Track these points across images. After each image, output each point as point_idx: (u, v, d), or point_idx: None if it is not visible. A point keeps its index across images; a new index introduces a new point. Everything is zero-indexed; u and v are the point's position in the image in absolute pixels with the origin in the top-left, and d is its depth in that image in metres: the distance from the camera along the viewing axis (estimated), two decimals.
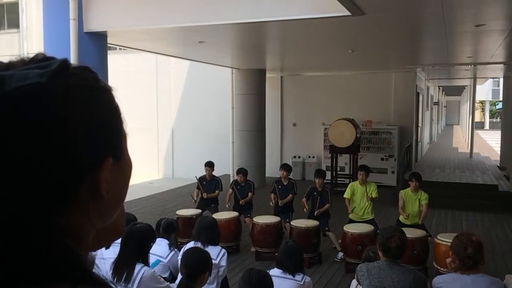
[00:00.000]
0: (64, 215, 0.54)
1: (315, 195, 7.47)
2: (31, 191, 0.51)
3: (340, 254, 6.99)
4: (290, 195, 7.77)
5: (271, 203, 7.90)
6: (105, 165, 0.57)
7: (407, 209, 6.83)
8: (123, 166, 0.62)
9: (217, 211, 8.22)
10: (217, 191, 8.38)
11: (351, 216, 7.22)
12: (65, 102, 0.54)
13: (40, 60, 0.56)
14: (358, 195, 7.16)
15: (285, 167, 8.13)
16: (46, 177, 0.52)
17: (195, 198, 8.44)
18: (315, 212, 7.28)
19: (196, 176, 8.54)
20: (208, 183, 8.42)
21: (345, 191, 7.44)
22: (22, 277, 0.49)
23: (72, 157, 0.53)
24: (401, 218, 6.91)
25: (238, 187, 8.14)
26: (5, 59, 0.58)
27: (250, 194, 8.08)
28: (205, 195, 8.30)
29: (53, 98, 0.53)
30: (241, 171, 8.36)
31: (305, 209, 7.42)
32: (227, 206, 8.03)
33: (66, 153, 0.53)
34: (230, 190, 8.24)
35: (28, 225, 0.51)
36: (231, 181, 9.52)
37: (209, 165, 8.50)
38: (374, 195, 7.09)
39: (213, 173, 8.55)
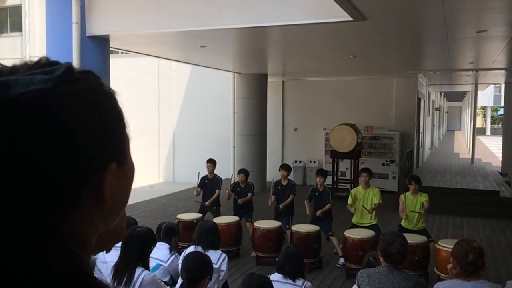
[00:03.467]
0: (67, 220, 0.54)
1: (317, 196, 7.47)
2: (34, 197, 0.51)
3: (342, 260, 6.96)
4: (290, 196, 7.76)
5: (269, 203, 7.85)
6: (109, 170, 0.57)
7: (408, 212, 6.80)
8: (126, 170, 0.62)
9: (219, 213, 8.20)
10: (217, 191, 8.32)
11: (353, 220, 7.20)
12: (70, 108, 0.54)
13: (44, 65, 0.56)
14: (360, 200, 7.12)
15: (285, 167, 8.11)
16: (50, 183, 0.52)
17: (197, 190, 8.35)
18: (317, 212, 7.26)
19: (199, 173, 8.50)
20: (210, 182, 8.37)
21: (345, 195, 7.41)
22: (25, 282, 0.49)
23: (76, 163, 0.53)
24: (402, 223, 6.88)
25: (238, 189, 8.10)
26: (8, 63, 0.58)
27: (249, 194, 8.05)
28: (207, 203, 8.24)
29: (58, 104, 0.53)
30: (242, 171, 8.30)
31: (307, 211, 7.39)
32: (226, 198, 8.08)
33: (70, 159, 0.53)
34: (230, 192, 8.17)
35: (31, 230, 0.51)
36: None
37: (211, 161, 8.47)
38: (376, 201, 6.99)
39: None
